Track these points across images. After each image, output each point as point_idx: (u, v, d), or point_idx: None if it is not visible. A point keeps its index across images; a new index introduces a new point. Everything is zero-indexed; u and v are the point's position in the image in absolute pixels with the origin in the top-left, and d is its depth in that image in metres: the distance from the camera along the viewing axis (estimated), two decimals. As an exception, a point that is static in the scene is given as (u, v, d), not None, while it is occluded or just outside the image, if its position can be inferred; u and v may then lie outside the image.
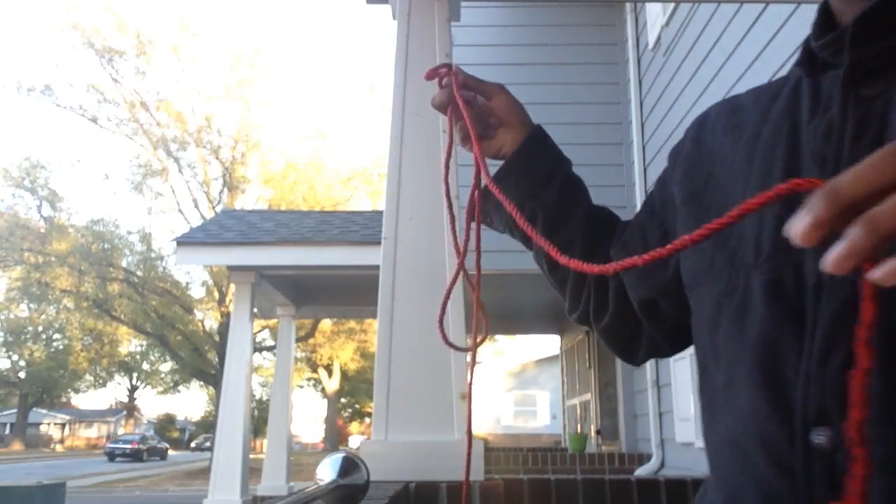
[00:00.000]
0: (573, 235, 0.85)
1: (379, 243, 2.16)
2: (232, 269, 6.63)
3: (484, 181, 0.73)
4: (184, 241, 6.63)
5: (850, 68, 0.59)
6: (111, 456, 31.30)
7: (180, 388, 35.84)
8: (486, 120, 0.87)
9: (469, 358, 0.57)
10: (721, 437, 0.65)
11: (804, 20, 3.17)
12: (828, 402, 0.54)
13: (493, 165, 0.80)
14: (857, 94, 0.58)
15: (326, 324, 20.72)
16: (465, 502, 0.51)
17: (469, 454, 0.58)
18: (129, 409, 42.66)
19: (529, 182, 0.86)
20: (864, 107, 0.58)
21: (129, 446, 31.75)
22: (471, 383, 0.54)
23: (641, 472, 5.97)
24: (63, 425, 47.26)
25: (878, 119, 0.57)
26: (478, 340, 0.70)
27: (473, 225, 0.86)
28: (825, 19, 0.63)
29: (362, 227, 7.02)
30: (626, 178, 6.49)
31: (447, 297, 0.62)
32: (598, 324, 0.88)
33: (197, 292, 23.94)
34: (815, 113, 0.62)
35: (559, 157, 0.89)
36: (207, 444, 35.61)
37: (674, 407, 5.71)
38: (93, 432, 48.21)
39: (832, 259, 0.36)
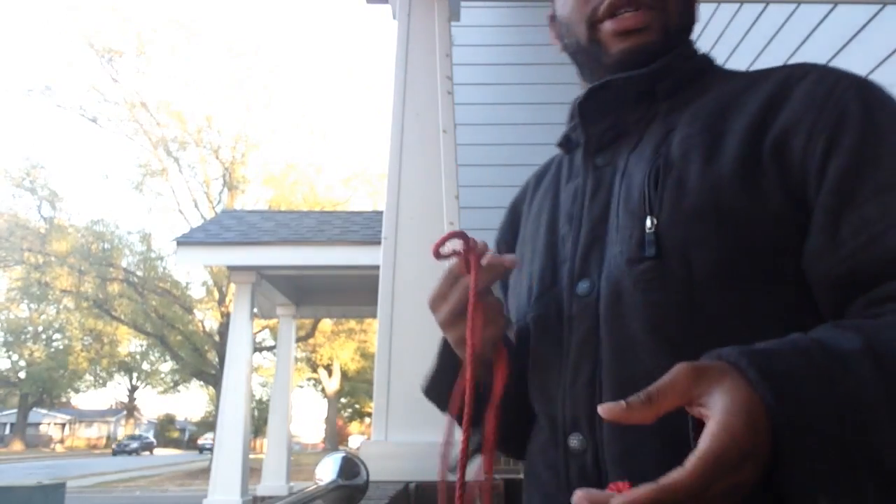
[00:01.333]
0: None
1: (379, 243, 2.16)
2: (232, 269, 6.63)
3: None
4: (184, 241, 6.63)
5: (586, 144, 0.75)
6: (117, 452, 37.35)
7: (180, 388, 35.79)
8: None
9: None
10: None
11: (803, 23, 3.17)
12: (578, 413, 0.65)
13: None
14: (594, 164, 0.73)
15: (326, 324, 20.71)
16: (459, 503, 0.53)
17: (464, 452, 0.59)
18: (129, 409, 42.64)
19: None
20: (598, 174, 0.72)
21: (136, 443, 38.01)
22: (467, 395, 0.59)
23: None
24: (63, 425, 47.22)
25: (606, 183, 0.71)
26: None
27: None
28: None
29: (362, 227, 7.02)
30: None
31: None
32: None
33: (197, 292, 23.95)
34: (569, 179, 0.78)
35: None
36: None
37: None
38: (93, 432, 48.18)
39: None
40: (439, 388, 0.81)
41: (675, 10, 0.72)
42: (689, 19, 0.75)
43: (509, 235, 0.89)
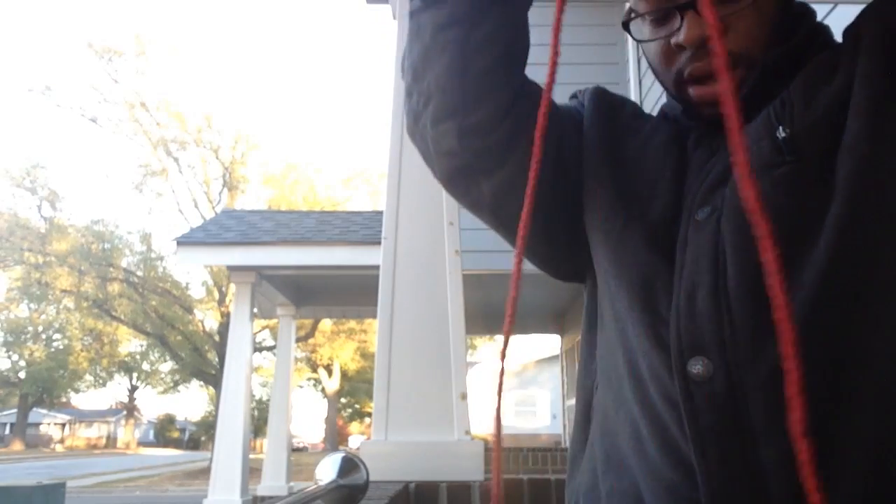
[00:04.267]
0: (497, 39, 0.71)
1: (379, 243, 2.16)
2: (232, 269, 6.63)
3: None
4: (184, 241, 6.63)
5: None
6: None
7: (180, 388, 35.76)
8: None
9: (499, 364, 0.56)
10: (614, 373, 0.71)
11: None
12: (700, 333, 0.59)
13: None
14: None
15: (326, 324, 20.70)
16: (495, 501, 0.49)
17: (498, 453, 0.58)
18: (129, 409, 42.63)
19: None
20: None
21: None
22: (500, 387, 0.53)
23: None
24: (63, 425, 47.21)
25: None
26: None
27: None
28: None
29: (362, 228, 7.02)
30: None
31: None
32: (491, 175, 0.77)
33: (197, 292, 23.94)
34: (699, 144, 0.73)
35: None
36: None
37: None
38: (93, 432, 48.15)
39: None
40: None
41: (759, 47, 0.68)
42: (779, 31, 0.69)
43: (596, 119, 0.81)
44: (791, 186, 0.60)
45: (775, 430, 0.54)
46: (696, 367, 0.58)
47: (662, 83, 0.76)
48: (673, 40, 0.69)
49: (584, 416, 0.77)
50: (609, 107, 0.83)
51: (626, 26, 0.74)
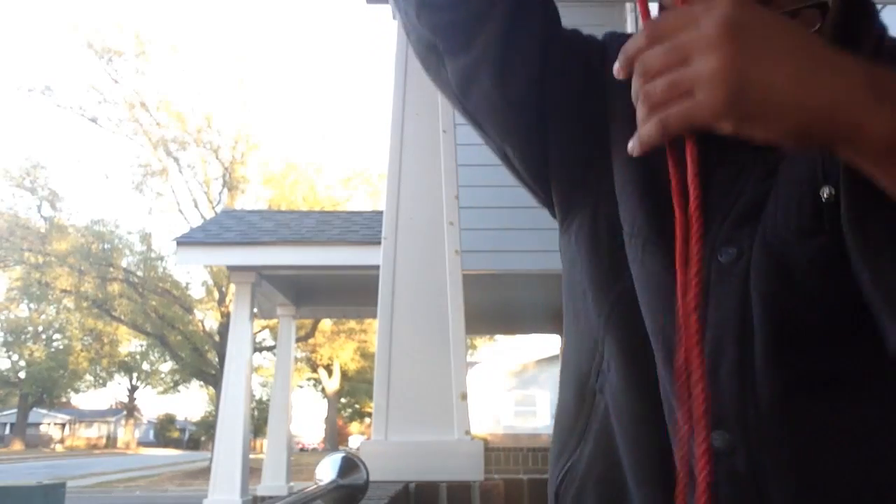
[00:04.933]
0: None
1: (379, 243, 2.16)
2: (232, 269, 6.63)
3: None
4: (184, 241, 6.63)
5: None
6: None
7: (180, 388, 35.78)
8: None
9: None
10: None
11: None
12: (722, 406, 0.54)
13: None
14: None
15: (326, 324, 20.69)
16: None
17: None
18: (129, 409, 42.63)
19: None
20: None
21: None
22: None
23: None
24: (63, 425, 47.21)
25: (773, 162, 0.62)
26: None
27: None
28: None
29: (362, 228, 7.02)
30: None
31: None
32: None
33: (197, 292, 23.93)
34: (723, 159, 0.66)
35: None
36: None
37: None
38: (93, 432, 48.15)
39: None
40: None
41: None
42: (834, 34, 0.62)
43: (622, 92, 0.70)
44: (829, 264, 0.52)
45: None
46: (717, 440, 0.54)
47: None
48: None
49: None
50: (601, 50, 0.75)
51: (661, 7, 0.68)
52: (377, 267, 2.11)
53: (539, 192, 0.78)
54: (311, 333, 19.53)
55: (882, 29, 0.63)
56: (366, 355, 24.25)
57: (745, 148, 0.58)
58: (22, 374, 33.82)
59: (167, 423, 48.15)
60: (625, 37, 0.71)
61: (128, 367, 35.31)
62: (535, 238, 4.26)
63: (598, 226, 0.68)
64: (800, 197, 0.54)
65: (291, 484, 7.39)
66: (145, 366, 35.82)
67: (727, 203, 0.59)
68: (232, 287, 8.75)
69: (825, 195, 0.53)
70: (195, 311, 22.43)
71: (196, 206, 21.65)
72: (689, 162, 0.48)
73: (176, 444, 46.79)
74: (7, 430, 42.52)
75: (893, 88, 0.43)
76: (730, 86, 0.42)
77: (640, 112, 0.47)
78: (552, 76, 0.70)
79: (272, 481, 7.08)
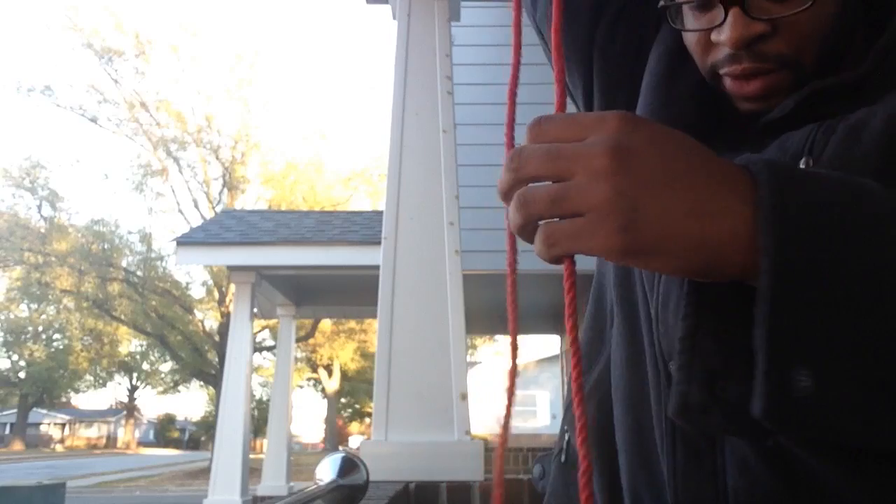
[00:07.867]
0: None
1: (379, 243, 2.17)
2: (232, 269, 6.63)
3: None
4: (184, 241, 6.64)
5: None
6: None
7: (180, 388, 35.80)
8: None
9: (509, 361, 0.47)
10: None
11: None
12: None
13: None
14: None
15: (326, 324, 20.69)
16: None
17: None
18: (129, 409, 42.64)
19: None
20: None
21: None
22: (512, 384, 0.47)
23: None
24: (63, 425, 47.22)
25: None
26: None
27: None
28: None
29: (362, 227, 7.02)
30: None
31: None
32: None
33: (197, 292, 23.94)
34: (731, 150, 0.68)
35: None
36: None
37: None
38: (93, 432, 48.17)
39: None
40: None
41: (814, 51, 0.58)
42: (846, 31, 0.60)
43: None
44: None
45: None
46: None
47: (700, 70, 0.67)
48: (713, 36, 0.61)
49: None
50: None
51: (663, 10, 0.66)
52: (377, 267, 2.11)
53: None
54: (311, 333, 19.52)
55: None
56: (366, 355, 24.25)
57: (747, 132, 0.61)
58: (22, 374, 33.85)
59: (167, 423, 48.17)
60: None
61: (128, 367, 35.33)
62: (535, 238, 4.24)
63: None
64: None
65: (291, 484, 7.39)
66: (145, 366, 35.84)
67: None
68: (232, 287, 8.76)
69: (801, 166, 0.52)
70: (195, 311, 22.44)
71: (196, 206, 21.65)
72: (566, 301, 0.42)
73: (176, 444, 46.80)
74: (7, 430, 42.54)
75: (805, 202, 0.38)
76: (621, 219, 0.37)
77: (516, 216, 0.41)
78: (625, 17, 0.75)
79: (272, 481, 7.08)
